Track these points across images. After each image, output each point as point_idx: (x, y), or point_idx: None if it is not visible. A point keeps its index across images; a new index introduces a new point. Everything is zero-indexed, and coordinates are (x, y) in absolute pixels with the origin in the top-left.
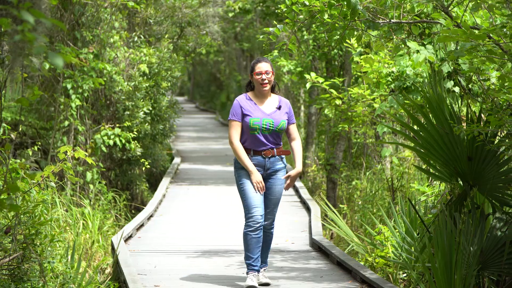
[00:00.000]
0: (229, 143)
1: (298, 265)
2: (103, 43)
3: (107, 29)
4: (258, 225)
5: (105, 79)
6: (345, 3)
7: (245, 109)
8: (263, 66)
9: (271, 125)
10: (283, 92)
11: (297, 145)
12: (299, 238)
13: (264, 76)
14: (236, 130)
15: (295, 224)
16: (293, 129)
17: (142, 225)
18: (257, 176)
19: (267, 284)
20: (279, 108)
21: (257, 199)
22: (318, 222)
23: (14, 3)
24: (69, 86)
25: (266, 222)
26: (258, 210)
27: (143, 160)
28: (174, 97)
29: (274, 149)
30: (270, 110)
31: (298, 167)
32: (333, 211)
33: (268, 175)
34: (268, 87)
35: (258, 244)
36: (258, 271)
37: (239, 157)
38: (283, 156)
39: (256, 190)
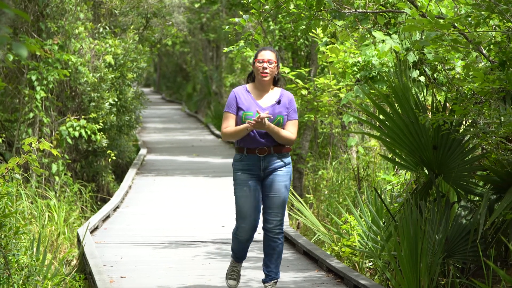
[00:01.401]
0: (222, 137)
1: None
2: (68, 34)
3: (72, 20)
4: (247, 236)
5: (70, 70)
6: None
7: (240, 101)
8: (266, 54)
9: None
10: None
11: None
12: None
13: (265, 65)
14: (229, 122)
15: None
16: (291, 125)
17: (108, 217)
18: (250, 122)
19: None
20: (278, 102)
21: (247, 208)
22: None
23: None
24: (33, 77)
25: (269, 225)
26: (249, 218)
27: (109, 151)
28: (140, 88)
29: (271, 146)
30: (268, 104)
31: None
32: (300, 201)
33: (266, 175)
34: (268, 77)
35: (245, 249)
36: (240, 262)
37: (233, 132)
38: (284, 153)
39: (253, 122)
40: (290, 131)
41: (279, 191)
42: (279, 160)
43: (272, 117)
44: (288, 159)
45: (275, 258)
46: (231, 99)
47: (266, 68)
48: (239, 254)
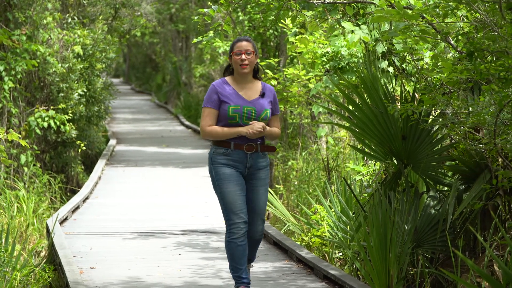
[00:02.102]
0: (202, 134)
1: None
2: (36, 25)
3: (40, 10)
4: (242, 231)
5: (38, 61)
6: None
7: (223, 95)
8: (244, 45)
9: (253, 114)
10: (218, 73)
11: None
12: None
13: (243, 56)
14: (210, 118)
15: None
16: (275, 120)
17: (77, 208)
18: (251, 127)
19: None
20: (262, 95)
21: (239, 203)
22: None
23: None
24: (1, 68)
25: (254, 232)
26: (242, 215)
27: (78, 142)
28: (110, 79)
29: (258, 144)
30: (252, 97)
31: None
32: (269, 192)
33: (249, 174)
34: (248, 69)
35: (244, 252)
36: (248, 284)
37: (220, 134)
38: (266, 152)
39: (252, 132)
40: (276, 126)
41: (262, 196)
42: (263, 160)
43: (263, 128)
44: (268, 159)
45: (254, 247)
46: (212, 93)
47: (245, 60)
48: (239, 262)
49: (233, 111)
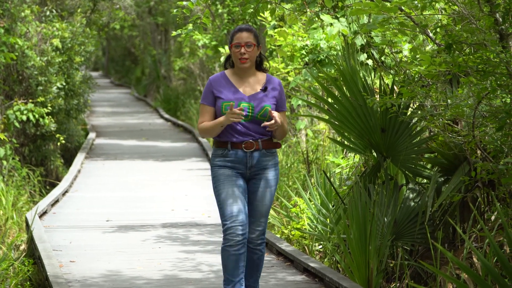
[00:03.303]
0: (199, 132)
1: (215, 238)
2: (14, 17)
3: (18, 3)
4: (238, 238)
5: (17, 54)
6: None
7: (218, 90)
8: (244, 36)
9: (250, 111)
10: (197, 66)
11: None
12: (215, 211)
13: (243, 50)
14: (205, 117)
15: (211, 198)
16: (282, 117)
17: (57, 201)
18: (227, 113)
19: None
20: (264, 89)
21: (236, 205)
22: None
23: None
24: None
25: (252, 235)
26: (238, 219)
27: (58, 135)
28: (89, 72)
29: (259, 140)
30: (252, 91)
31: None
32: None
33: (252, 175)
34: (247, 63)
35: (239, 262)
36: None
37: (208, 128)
38: (273, 150)
39: (236, 117)
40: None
41: (265, 199)
42: (268, 158)
43: (244, 112)
44: (276, 158)
45: (255, 270)
46: (206, 89)
47: (244, 54)
48: (233, 274)
49: (226, 107)
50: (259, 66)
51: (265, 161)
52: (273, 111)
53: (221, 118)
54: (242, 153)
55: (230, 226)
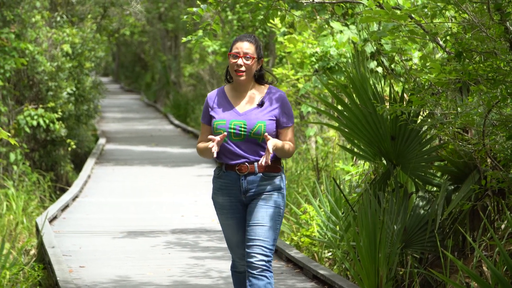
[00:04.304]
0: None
1: (224, 244)
2: (25, 23)
3: (29, 8)
4: (242, 269)
5: (27, 59)
6: None
7: (212, 108)
8: (244, 46)
9: (242, 129)
10: (207, 72)
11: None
12: None
13: (240, 61)
14: (203, 135)
15: None
16: (286, 133)
17: (67, 206)
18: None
19: None
20: (261, 104)
21: (234, 239)
22: None
23: None
24: None
25: (250, 259)
26: (239, 253)
27: (69, 140)
28: (99, 77)
29: (254, 163)
30: (247, 107)
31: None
32: None
33: (248, 200)
34: (244, 77)
35: (241, 285)
36: None
37: (201, 150)
38: (273, 174)
39: (213, 145)
40: (289, 141)
41: (263, 219)
42: (266, 182)
43: (225, 135)
44: (278, 182)
45: None
46: (204, 107)
47: (241, 66)
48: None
49: (217, 126)
50: (258, 80)
51: (262, 186)
52: (267, 135)
53: (208, 143)
54: (236, 176)
55: (232, 255)
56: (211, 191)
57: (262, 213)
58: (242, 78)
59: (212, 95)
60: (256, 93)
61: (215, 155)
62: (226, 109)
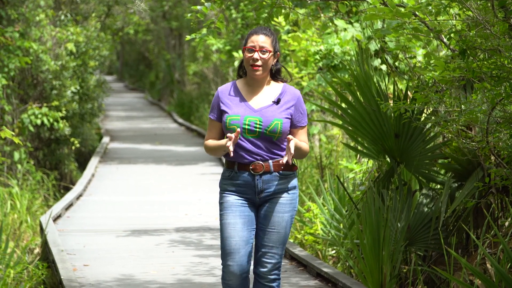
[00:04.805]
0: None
1: None
2: (29, 22)
3: (33, 7)
4: (234, 281)
5: (31, 58)
6: None
7: (224, 102)
8: (259, 39)
9: (257, 126)
10: (211, 71)
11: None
12: None
13: (256, 55)
14: (212, 133)
15: None
16: (303, 133)
17: (71, 205)
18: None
19: None
20: (277, 102)
21: (236, 239)
22: None
23: None
24: None
25: (263, 269)
26: (235, 259)
27: (73, 139)
28: (103, 76)
29: (270, 161)
30: (262, 104)
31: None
32: None
33: (262, 201)
34: (260, 71)
35: None
36: None
37: (212, 148)
38: (289, 173)
39: (230, 144)
40: (303, 141)
41: (279, 225)
42: (282, 182)
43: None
44: (293, 182)
45: None
46: (214, 101)
47: (257, 60)
48: None
49: (231, 122)
50: (274, 75)
51: (278, 185)
52: (290, 137)
53: (223, 141)
54: (250, 176)
55: (225, 263)
56: (219, 190)
57: (279, 219)
58: (258, 73)
59: (224, 89)
60: (271, 90)
61: (231, 154)
62: (239, 104)
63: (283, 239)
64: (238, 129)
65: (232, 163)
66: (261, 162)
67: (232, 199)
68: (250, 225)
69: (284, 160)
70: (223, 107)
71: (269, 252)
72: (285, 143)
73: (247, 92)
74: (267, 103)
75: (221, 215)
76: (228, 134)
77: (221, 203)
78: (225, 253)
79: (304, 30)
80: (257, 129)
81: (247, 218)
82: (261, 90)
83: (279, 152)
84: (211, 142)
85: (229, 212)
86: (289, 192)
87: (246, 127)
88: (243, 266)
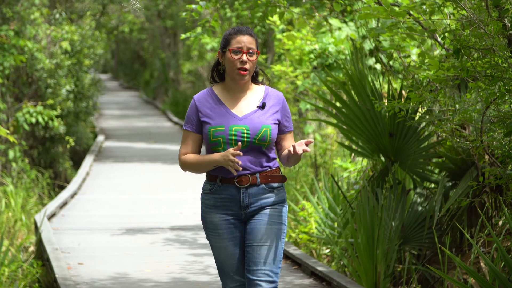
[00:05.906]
0: (180, 165)
1: None
2: (24, 20)
3: (28, 5)
4: None
5: (26, 56)
6: None
7: (204, 112)
8: (246, 40)
9: (245, 135)
10: (206, 69)
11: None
12: None
13: (245, 58)
14: (188, 145)
15: None
16: (289, 139)
17: (65, 203)
18: (225, 154)
19: None
20: (262, 106)
21: (232, 262)
22: None
23: None
24: None
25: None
26: (236, 278)
27: (67, 137)
28: (98, 74)
29: (256, 174)
30: (247, 110)
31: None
32: None
33: (249, 216)
34: (247, 76)
35: None
36: None
37: (194, 164)
38: (277, 185)
39: (233, 170)
40: None
41: (268, 238)
42: (269, 195)
43: (241, 153)
44: (282, 195)
45: None
46: (189, 112)
47: (246, 63)
48: None
49: (214, 134)
50: (254, 78)
51: (265, 199)
52: (297, 146)
53: (216, 156)
54: (235, 190)
55: (227, 283)
56: (200, 205)
57: (267, 231)
58: (246, 77)
59: (201, 97)
60: (253, 94)
61: (235, 173)
62: (221, 113)
63: (274, 254)
64: (239, 143)
65: (213, 176)
66: (247, 174)
67: (217, 219)
68: (238, 244)
69: (299, 150)
70: (203, 118)
71: (259, 271)
72: (273, 152)
73: (228, 98)
74: (252, 109)
75: (208, 236)
76: (231, 150)
77: (205, 222)
78: (224, 275)
79: (299, 29)
80: (245, 139)
81: (236, 239)
82: (244, 95)
83: (267, 164)
84: (192, 157)
85: (216, 236)
86: (277, 205)
87: (233, 137)
88: (243, 284)
